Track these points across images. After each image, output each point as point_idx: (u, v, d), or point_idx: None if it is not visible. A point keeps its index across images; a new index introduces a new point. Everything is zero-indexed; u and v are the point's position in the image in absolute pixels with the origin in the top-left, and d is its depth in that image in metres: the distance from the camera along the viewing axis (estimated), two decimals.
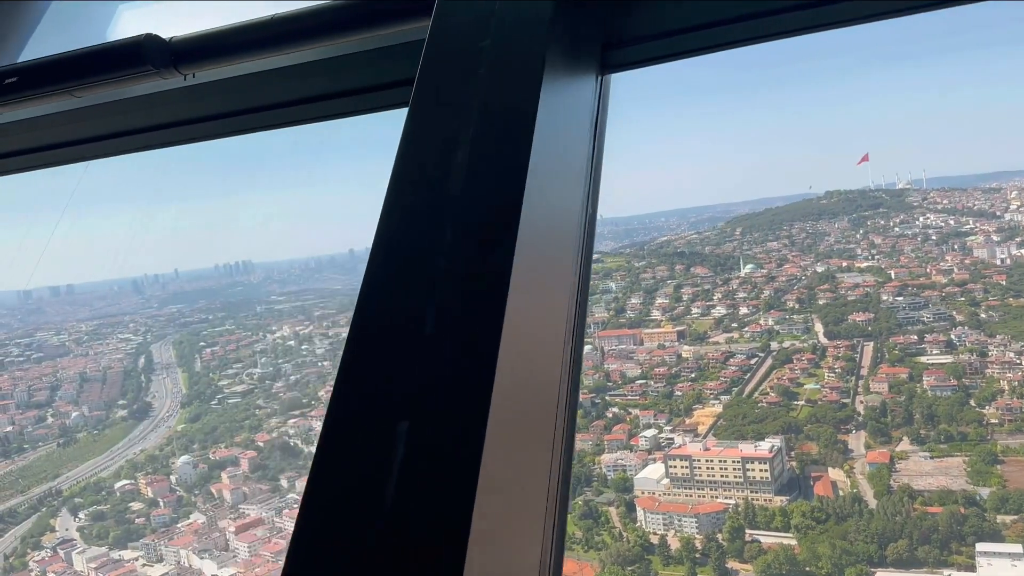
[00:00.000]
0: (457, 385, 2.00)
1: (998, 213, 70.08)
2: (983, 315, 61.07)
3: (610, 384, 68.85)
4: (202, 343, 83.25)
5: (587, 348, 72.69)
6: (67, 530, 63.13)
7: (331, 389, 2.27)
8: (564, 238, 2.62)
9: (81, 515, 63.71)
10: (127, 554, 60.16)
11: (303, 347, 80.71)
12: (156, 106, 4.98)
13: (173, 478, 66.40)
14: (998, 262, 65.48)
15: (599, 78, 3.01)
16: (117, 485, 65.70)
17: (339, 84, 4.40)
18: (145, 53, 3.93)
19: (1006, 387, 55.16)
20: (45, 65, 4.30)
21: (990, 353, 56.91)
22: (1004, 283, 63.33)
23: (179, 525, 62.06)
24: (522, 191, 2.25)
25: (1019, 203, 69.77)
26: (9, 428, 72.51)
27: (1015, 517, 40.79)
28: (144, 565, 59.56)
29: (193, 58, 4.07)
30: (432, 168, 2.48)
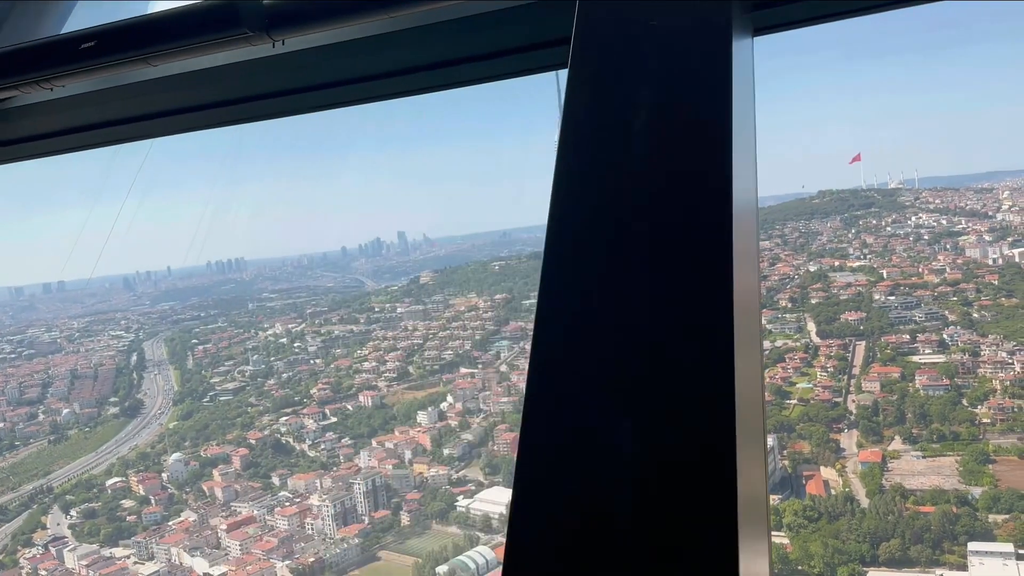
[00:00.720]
0: (691, 382, 1.80)
1: (990, 213, 70.42)
2: (975, 315, 61.34)
3: None
4: (194, 340, 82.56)
5: None
6: (58, 526, 63.12)
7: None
8: (750, 213, 2.46)
9: (72, 512, 63.40)
10: (118, 552, 60.00)
11: (295, 344, 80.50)
12: (239, 76, 4.63)
13: (165, 475, 66.28)
14: (990, 262, 65.79)
15: (752, 41, 2.82)
16: (108, 482, 65.46)
17: (467, 48, 4.10)
18: (242, 15, 3.68)
19: (998, 387, 55.39)
20: (125, 28, 3.95)
21: (982, 353, 57.18)
22: (996, 283, 63.64)
23: (170, 523, 61.78)
24: (730, 159, 2.07)
25: (1011, 203, 70.07)
26: (0, 425, 72.30)
27: (1007, 516, 40.98)
28: (135, 563, 59.44)
29: (287, 23, 3.83)
30: (609, 134, 2.26)
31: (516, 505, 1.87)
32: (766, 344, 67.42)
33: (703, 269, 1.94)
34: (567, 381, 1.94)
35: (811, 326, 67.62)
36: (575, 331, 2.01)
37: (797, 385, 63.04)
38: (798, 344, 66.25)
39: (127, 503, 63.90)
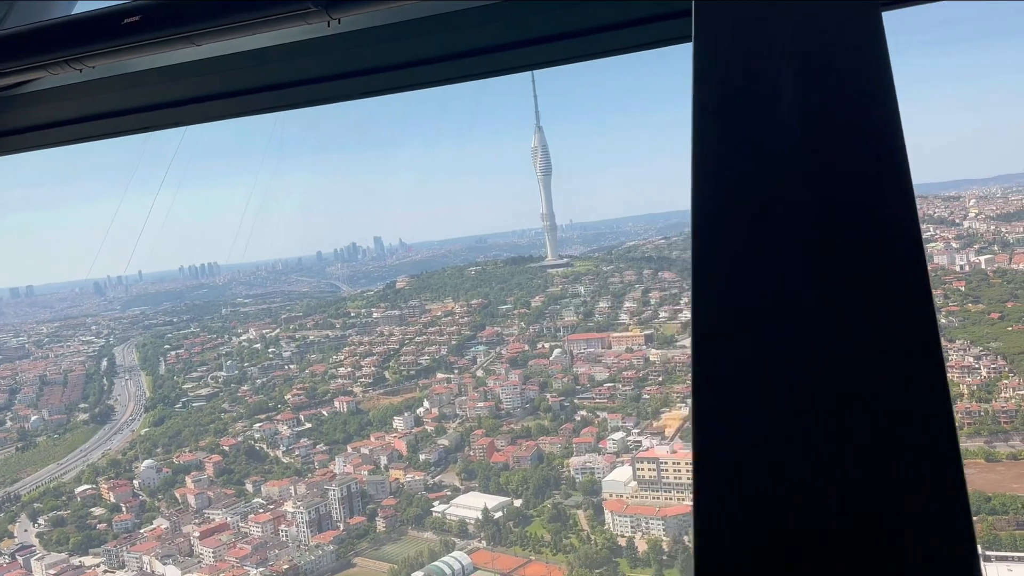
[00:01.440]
0: (896, 369, 1.69)
1: (957, 220, 71.82)
2: (943, 320, 62.51)
3: (579, 387, 69.75)
4: (166, 346, 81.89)
5: (556, 352, 73.37)
6: (26, 534, 61.92)
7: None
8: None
9: (40, 520, 62.27)
10: (88, 560, 58.97)
11: (270, 350, 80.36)
12: (284, 59, 4.28)
13: (136, 482, 65.65)
14: (957, 268, 67.14)
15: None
16: (78, 490, 64.68)
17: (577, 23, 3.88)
18: None
19: (965, 391, 56.62)
20: (173, 2, 3.68)
21: (950, 358, 58.29)
22: (963, 289, 64.96)
23: (142, 530, 60.98)
24: (901, 134, 1.94)
25: (977, 211, 71.55)
26: None
27: (974, 519, 41.65)
28: (106, 571, 58.45)
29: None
30: (753, 111, 2.09)
31: (702, 526, 1.77)
32: None
33: (897, 277, 1.80)
34: (739, 396, 1.81)
35: None
36: (741, 345, 1.87)
37: None
38: None
39: (97, 511, 63.16)
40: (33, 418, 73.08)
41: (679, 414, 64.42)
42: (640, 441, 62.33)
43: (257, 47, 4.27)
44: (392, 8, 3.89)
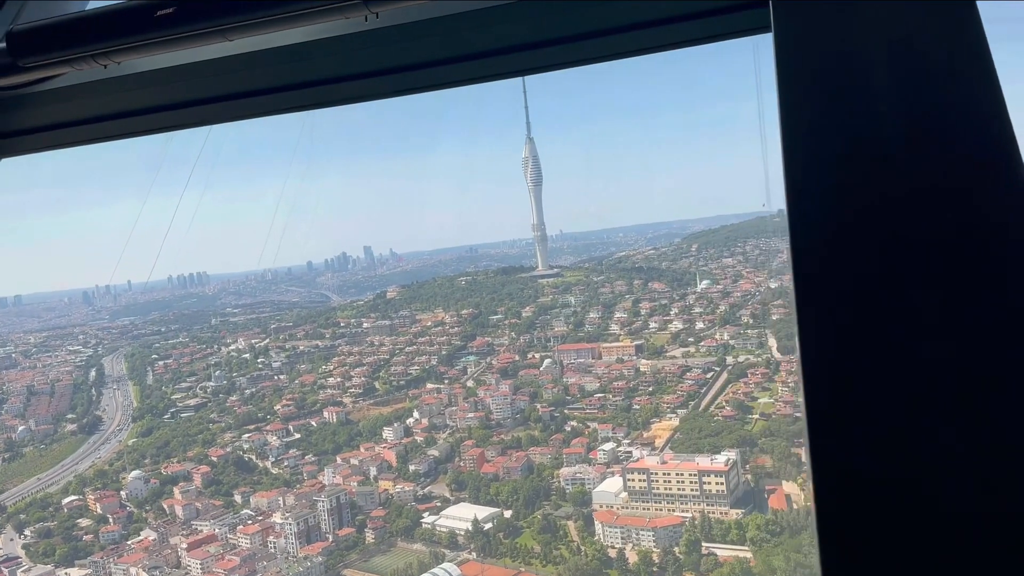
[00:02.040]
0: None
1: None
2: None
3: (569, 398, 69.70)
4: (155, 356, 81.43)
5: (546, 362, 73.12)
6: (12, 544, 61.36)
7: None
8: None
9: (27, 532, 61.62)
10: (75, 572, 58.21)
11: (259, 360, 79.85)
12: (319, 55, 4.14)
13: (123, 493, 65.08)
14: None
15: None
16: (65, 501, 64.09)
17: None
18: None
19: None
20: None
21: None
22: None
23: (129, 542, 60.44)
24: (1009, 123, 1.86)
25: None
26: None
27: None
28: None
29: None
30: (848, 106, 2.01)
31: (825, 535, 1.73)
32: (728, 359, 68.37)
33: (1017, 271, 1.75)
34: (855, 403, 1.76)
35: (772, 342, 68.65)
36: (853, 353, 1.80)
37: (759, 400, 64.17)
38: (760, 359, 67.52)
39: (84, 522, 62.55)
40: (20, 428, 72.54)
41: (669, 424, 64.64)
42: (630, 452, 62.23)
43: (288, 43, 4.15)
44: (432, 4, 3.78)
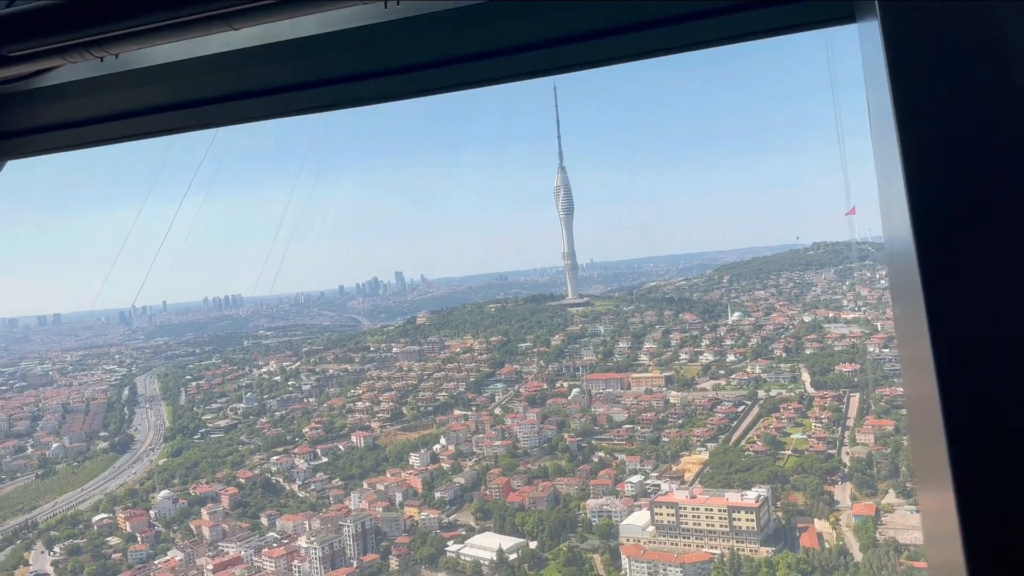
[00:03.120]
0: None
1: None
2: None
3: (596, 428, 69.37)
4: (188, 376, 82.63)
5: (574, 391, 72.73)
6: (42, 560, 61.93)
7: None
8: None
9: (56, 548, 62.25)
10: None
11: (289, 383, 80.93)
12: (335, 49, 3.75)
13: (152, 513, 65.78)
14: None
15: None
16: (95, 519, 64.82)
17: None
18: None
19: None
20: None
21: None
22: None
23: (156, 561, 60.60)
24: None
25: None
26: None
27: None
28: None
29: None
30: (965, 109, 1.89)
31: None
32: (760, 393, 67.72)
33: None
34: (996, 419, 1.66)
35: (806, 376, 68.04)
36: (992, 375, 1.70)
37: (791, 435, 63.43)
38: (792, 394, 66.68)
39: (113, 540, 63.07)
40: (54, 445, 73.54)
41: (699, 458, 63.84)
42: (659, 485, 61.62)
43: (299, 36, 3.77)
44: None
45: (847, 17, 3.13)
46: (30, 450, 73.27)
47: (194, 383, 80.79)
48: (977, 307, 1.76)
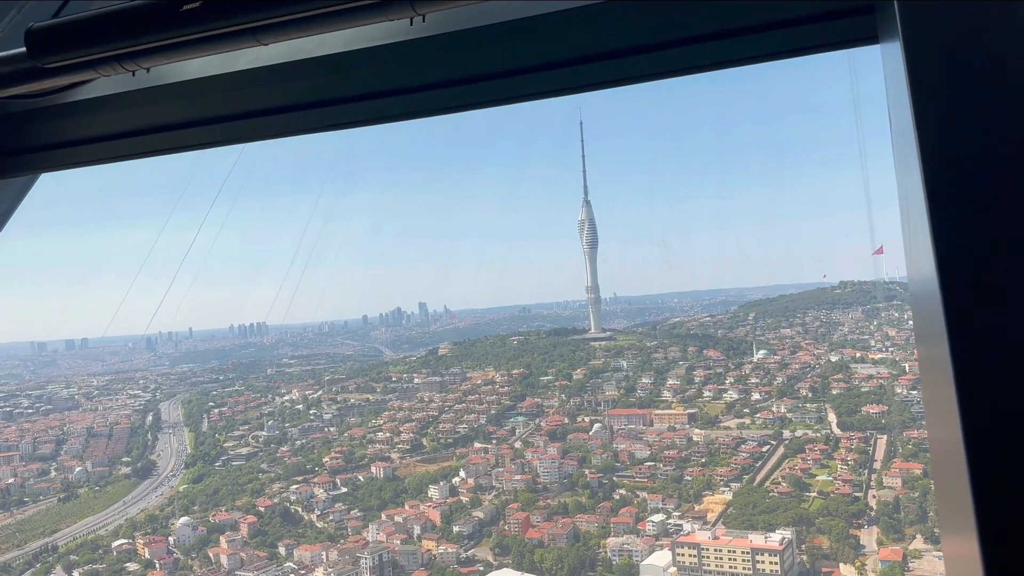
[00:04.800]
0: None
1: None
2: None
3: (618, 464, 68.66)
4: (211, 403, 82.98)
5: (596, 426, 72.12)
6: None
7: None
8: None
9: (76, 573, 62.41)
10: None
11: (311, 411, 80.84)
12: (363, 65, 3.78)
13: (171, 539, 65.64)
14: None
15: None
16: (115, 544, 64.81)
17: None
18: None
19: None
20: None
21: None
22: None
23: None
24: None
25: None
26: (11, 480, 72.02)
27: None
28: None
29: None
30: (983, 114, 1.92)
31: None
32: (785, 433, 66.79)
33: None
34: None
35: (832, 417, 67.18)
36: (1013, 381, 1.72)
37: (817, 477, 62.29)
38: (819, 435, 65.73)
39: (132, 566, 63.15)
40: (77, 469, 73.88)
41: (722, 498, 62.81)
42: (681, 525, 60.69)
43: (326, 53, 3.83)
44: (486, 5, 3.35)
45: (870, 37, 3.16)
46: (53, 473, 73.61)
47: (216, 410, 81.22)
48: (1003, 350, 1.74)
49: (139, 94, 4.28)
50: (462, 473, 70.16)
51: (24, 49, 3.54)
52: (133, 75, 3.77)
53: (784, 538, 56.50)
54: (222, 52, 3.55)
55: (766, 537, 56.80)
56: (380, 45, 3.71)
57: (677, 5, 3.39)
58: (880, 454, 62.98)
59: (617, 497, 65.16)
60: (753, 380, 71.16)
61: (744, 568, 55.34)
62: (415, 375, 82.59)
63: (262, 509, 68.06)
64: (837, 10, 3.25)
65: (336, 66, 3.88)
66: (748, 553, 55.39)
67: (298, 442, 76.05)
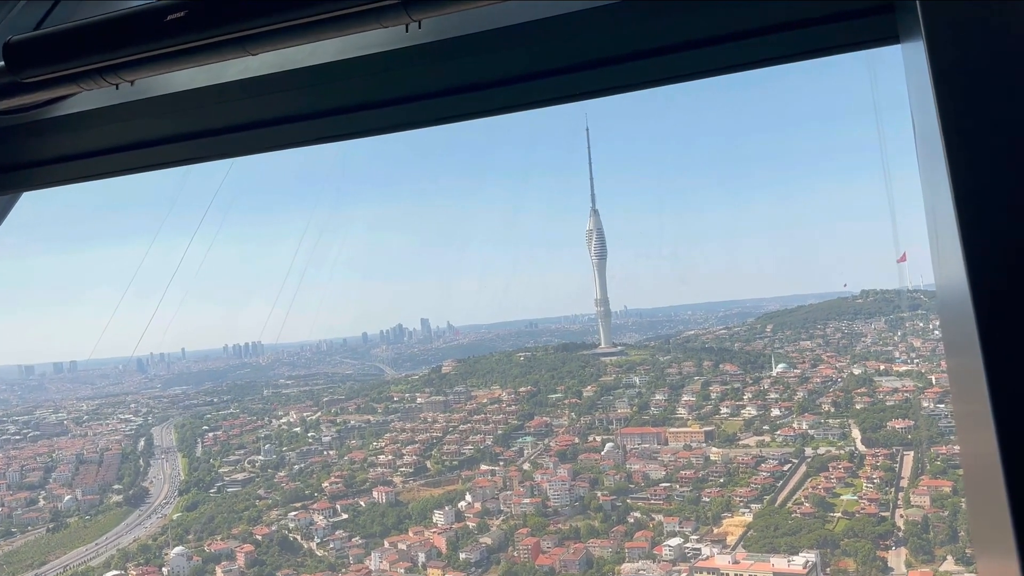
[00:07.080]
0: None
1: None
2: None
3: (632, 486, 67.08)
4: (205, 427, 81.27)
5: (608, 446, 70.26)
6: None
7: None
8: None
9: None
10: None
11: (309, 434, 79.14)
12: (356, 75, 3.78)
13: (165, 571, 64.27)
14: None
15: None
16: None
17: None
18: None
19: None
20: None
21: None
22: None
23: None
24: None
25: None
26: None
27: None
28: None
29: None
30: (1008, 114, 1.92)
31: None
32: (807, 451, 65.27)
33: None
34: None
35: (856, 433, 65.55)
36: None
37: (841, 497, 60.80)
38: (842, 452, 64.03)
39: None
40: (66, 498, 72.28)
41: (742, 520, 61.19)
42: (699, 549, 59.13)
43: (318, 63, 3.83)
44: (484, 7, 3.13)
45: (890, 37, 3.17)
46: (42, 502, 72.39)
47: (211, 434, 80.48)
48: None
49: (123, 108, 4.29)
50: (468, 497, 68.69)
51: (2, 63, 3.58)
52: (117, 88, 3.80)
53: (808, 561, 55.52)
54: (209, 63, 3.58)
55: (789, 561, 55.84)
56: (374, 53, 3.73)
57: (685, 6, 3.37)
58: (907, 471, 61.44)
59: (631, 520, 63.82)
60: (772, 395, 69.77)
61: None
62: (418, 394, 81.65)
63: (259, 537, 66.62)
64: (855, 9, 3.24)
65: (329, 76, 3.91)
66: None
67: (296, 466, 74.49)
